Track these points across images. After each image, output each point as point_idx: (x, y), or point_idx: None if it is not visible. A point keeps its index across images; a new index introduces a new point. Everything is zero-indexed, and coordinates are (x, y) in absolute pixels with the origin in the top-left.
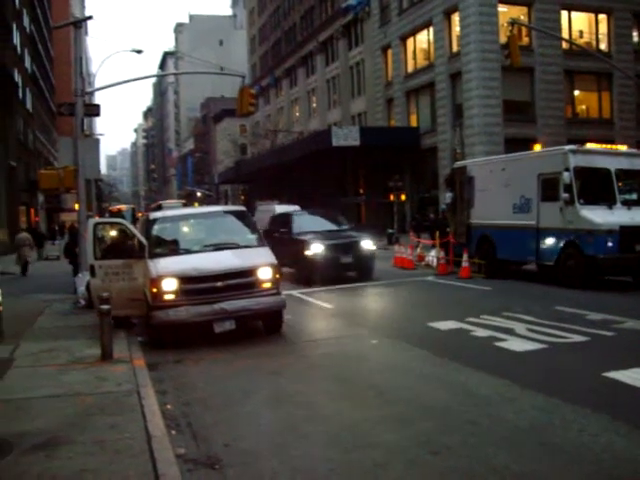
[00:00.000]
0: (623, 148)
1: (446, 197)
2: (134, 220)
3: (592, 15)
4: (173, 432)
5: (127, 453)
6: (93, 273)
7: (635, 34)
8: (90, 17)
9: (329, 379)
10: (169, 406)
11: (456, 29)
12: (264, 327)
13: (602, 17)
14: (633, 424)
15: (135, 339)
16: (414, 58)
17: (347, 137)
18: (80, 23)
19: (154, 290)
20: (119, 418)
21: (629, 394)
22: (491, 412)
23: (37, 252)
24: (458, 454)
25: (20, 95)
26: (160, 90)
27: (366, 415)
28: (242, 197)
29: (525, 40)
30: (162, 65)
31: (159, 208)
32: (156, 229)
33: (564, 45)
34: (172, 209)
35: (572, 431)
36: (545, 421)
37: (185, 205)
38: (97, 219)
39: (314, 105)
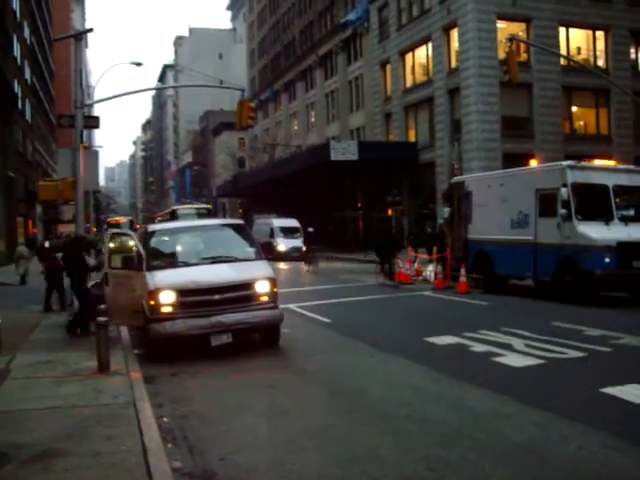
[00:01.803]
0: (621, 164)
1: (444, 212)
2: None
3: (590, 32)
4: (169, 445)
5: (123, 466)
6: (107, 281)
7: (632, 51)
8: (91, 30)
9: (326, 393)
10: (165, 419)
11: (455, 45)
12: (261, 340)
13: (600, 34)
14: (631, 441)
15: (132, 351)
16: (413, 73)
17: (345, 151)
18: (80, 35)
19: (151, 302)
20: (115, 431)
21: (626, 410)
22: (489, 428)
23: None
24: (456, 470)
25: (20, 106)
26: (159, 103)
27: (363, 430)
28: (240, 210)
29: (523, 56)
30: (161, 78)
31: (173, 216)
32: (154, 241)
33: (562, 61)
34: (188, 218)
35: (570, 447)
36: (543, 437)
37: (209, 212)
38: (115, 230)
39: (313, 119)
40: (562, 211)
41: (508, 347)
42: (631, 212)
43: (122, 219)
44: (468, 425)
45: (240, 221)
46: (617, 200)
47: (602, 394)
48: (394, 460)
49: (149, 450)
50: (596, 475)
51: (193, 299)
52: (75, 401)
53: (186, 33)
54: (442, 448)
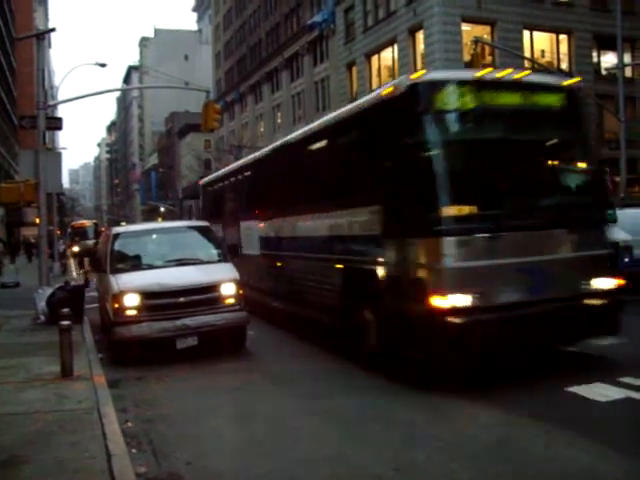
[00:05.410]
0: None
1: None
2: (96, 235)
3: (553, 35)
4: (134, 450)
5: (87, 472)
6: None
7: (595, 54)
8: (53, 29)
9: (293, 395)
10: (130, 424)
11: (420, 47)
12: (227, 343)
13: (563, 37)
14: (596, 438)
15: (96, 355)
16: (379, 75)
17: None
18: (43, 35)
19: (116, 305)
20: (79, 436)
21: (591, 409)
22: (456, 427)
23: None
24: (423, 471)
25: None
26: (124, 104)
27: (331, 431)
28: None
29: (488, 59)
30: (126, 79)
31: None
32: (118, 244)
33: (526, 64)
34: None
35: (537, 446)
36: (510, 436)
37: None
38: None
39: (279, 121)
40: None
41: None
42: None
43: (87, 222)
44: (435, 425)
45: (205, 223)
46: None
47: (568, 393)
48: (363, 461)
49: (113, 455)
50: (563, 473)
51: (158, 302)
52: (38, 407)
53: (151, 34)
54: (410, 449)
